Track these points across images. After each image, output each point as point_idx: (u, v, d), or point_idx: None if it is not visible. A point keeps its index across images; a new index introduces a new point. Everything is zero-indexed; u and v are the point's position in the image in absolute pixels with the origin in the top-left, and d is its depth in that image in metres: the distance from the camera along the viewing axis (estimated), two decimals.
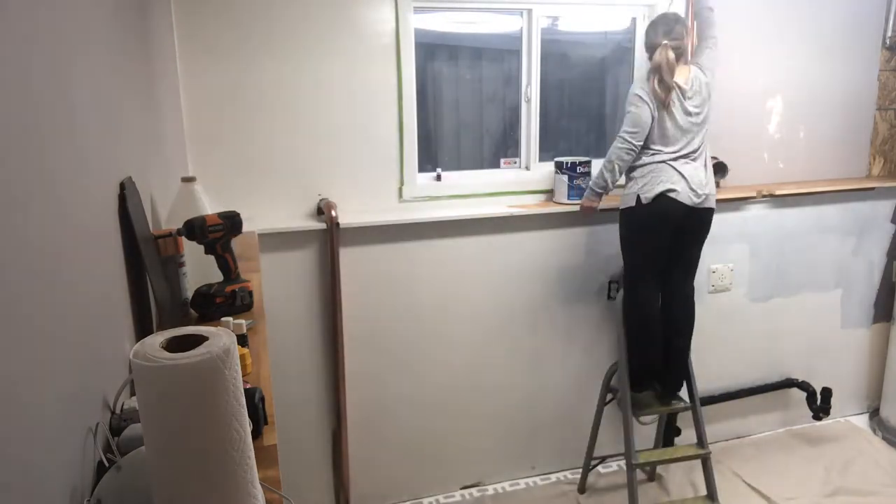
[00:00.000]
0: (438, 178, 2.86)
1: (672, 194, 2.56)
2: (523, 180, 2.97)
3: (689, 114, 2.59)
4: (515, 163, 3.03)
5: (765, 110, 3.19)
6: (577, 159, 2.86)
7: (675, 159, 2.59)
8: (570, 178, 2.85)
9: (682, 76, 2.60)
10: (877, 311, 3.60)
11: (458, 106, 3.01)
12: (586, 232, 2.99)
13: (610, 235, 3.02)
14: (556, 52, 2.97)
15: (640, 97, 2.58)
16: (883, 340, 3.63)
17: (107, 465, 0.90)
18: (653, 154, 2.60)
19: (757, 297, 3.36)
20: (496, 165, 3.03)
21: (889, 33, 3.28)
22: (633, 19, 3.02)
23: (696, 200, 2.59)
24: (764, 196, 3.15)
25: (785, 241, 3.32)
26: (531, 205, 2.89)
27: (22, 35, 0.82)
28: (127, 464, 0.86)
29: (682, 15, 2.95)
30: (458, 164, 2.98)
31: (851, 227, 3.42)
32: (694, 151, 2.62)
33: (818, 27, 3.16)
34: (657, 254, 2.68)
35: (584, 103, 3.20)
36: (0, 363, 0.66)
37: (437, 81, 2.92)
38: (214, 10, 2.42)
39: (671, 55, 2.54)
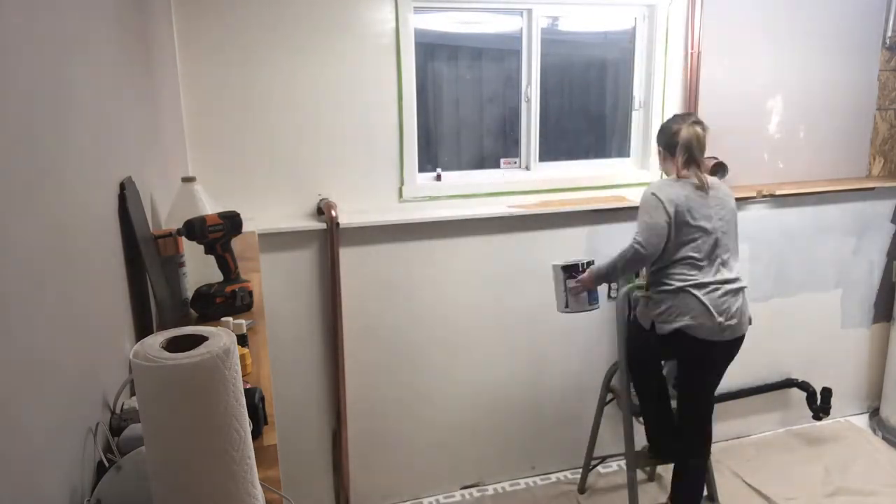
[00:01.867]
0: (438, 178, 2.86)
1: (691, 331, 2.30)
2: (523, 180, 2.96)
3: (710, 218, 2.34)
4: (515, 163, 3.02)
5: (765, 110, 3.19)
6: (583, 261, 2.58)
7: (699, 286, 2.31)
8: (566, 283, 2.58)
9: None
10: (877, 311, 3.60)
11: (458, 106, 3.01)
12: (586, 232, 2.99)
13: (610, 236, 3.03)
14: (556, 52, 2.97)
15: (657, 199, 2.31)
16: (883, 340, 3.62)
17: (107, 465, 0.90)
18: (678, 277, 2.33)
19: (757, 298, 3.35)
20: (496, 165, 3.02)
21: (889, 33, 3.27)
22: (634, 19, 3.02)
23: (723, 334, 2.32)
24: (764, 196, 3.15)
25: (785, 241, 3.31)
26: (531, 205, 2.89)
27: (21, 34, 0.82)
28: (127, 464, 0.86)
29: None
30: (458, 164, 2.98)
31: (851, 227, 3.41)
32: (728, 278, 2.34)
33: (818, 27, 3.16)
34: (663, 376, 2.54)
35: (584, 103, 3.20)
36: (1, 363, 0.66)
37: (437, 81, 2.92)
38: (214, 11, 2.42)
39: (699, 130, 2.35)
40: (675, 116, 2.50)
